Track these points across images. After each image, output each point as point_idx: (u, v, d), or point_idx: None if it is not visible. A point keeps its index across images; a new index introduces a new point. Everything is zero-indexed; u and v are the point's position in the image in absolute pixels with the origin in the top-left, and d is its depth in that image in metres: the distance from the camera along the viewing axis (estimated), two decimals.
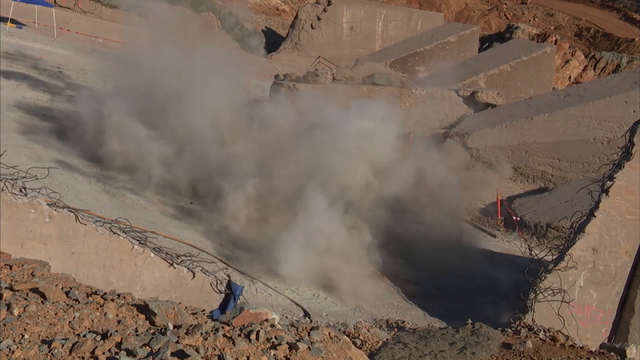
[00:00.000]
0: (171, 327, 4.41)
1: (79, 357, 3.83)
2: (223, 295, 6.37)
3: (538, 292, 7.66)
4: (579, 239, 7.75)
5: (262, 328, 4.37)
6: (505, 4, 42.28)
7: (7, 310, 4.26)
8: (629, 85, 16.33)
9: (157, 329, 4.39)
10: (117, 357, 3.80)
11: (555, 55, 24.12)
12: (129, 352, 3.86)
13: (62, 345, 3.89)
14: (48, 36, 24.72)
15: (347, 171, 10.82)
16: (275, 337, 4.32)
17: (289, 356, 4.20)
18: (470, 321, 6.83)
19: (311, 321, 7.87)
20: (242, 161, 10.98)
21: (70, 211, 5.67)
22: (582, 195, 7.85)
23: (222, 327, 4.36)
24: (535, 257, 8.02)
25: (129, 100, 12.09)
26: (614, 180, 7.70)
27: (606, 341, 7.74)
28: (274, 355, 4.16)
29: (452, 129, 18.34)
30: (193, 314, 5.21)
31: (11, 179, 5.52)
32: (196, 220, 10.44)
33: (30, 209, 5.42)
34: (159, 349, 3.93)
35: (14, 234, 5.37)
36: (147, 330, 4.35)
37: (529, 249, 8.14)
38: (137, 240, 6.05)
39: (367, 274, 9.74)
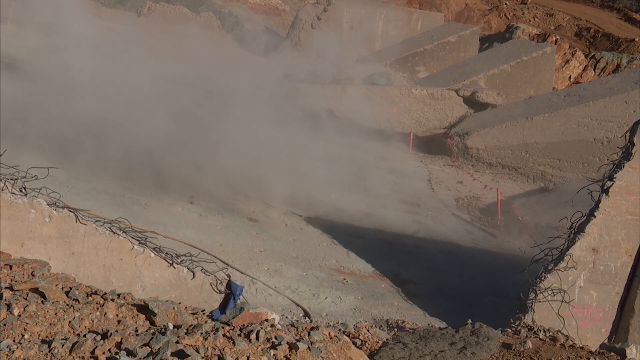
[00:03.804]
0: (171, 327, 4.41)
1: (79, 357, 3.84)
2: (223, 295, 6.37)
3: (538, 292, 7.66)
4: (579, 239, 7.74)
5: (262, 328, 4.38)
6: (505, 4, 42.27)
7: (7, 310, 4.26)
8: (629, 85, 16.34)
9: (157, 329, 4.39)
10: (117, 357, 3.80)
11: (555, 55, 24.10)
12: (129, 352, 3.86)
13: (62, 345, 3.90)
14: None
15: None
16: (275, 337, 4.32)
17: (289, 356, 4.20)
18: (470, 321, 6.83)
19: (311, 321, 7.87)
20: None
21: (70, 211, 5.66)
22: (582, 195, 7.85)
23: (222, 327, 4.36)
24: (535, 257, 8.01)
25: None
26: (614, 180, 7.70)
27: (606, 341, 7.74)
28: (274, 355, 4.16)
29: (452, 129, 18.37)
30: (193, 314, 5.21)
31: (11, 179, 5.52)
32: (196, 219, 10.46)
33: (30, 209, 5.42)
34: (159, 349, 3.93)
35: (14, 234, 5.36)
36: (147, 330, 4.35)
37: (538, 245, 8.12)
38: (137, 240, 6.04)
39: (367, 274, 9.77)
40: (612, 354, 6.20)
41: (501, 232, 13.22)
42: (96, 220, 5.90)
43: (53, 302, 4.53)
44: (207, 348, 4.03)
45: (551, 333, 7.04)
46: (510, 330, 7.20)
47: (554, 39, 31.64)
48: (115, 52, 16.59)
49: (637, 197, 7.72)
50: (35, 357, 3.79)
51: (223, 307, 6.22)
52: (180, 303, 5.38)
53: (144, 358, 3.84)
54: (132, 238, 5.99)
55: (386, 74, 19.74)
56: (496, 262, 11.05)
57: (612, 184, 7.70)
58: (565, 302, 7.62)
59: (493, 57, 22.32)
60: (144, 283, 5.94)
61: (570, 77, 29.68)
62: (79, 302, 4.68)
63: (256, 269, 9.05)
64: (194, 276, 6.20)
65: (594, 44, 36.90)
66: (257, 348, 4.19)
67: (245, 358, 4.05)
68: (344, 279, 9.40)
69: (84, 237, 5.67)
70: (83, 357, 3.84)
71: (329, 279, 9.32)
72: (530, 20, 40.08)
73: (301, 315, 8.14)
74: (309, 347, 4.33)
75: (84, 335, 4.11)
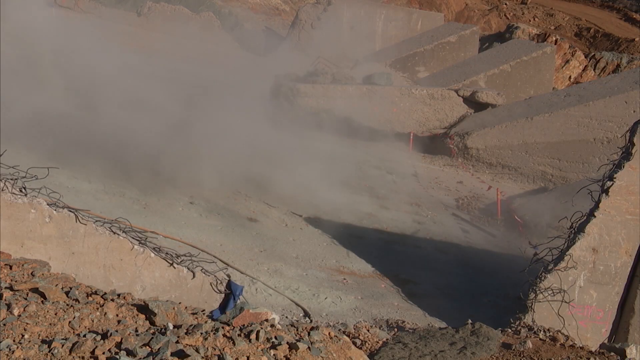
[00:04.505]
0: (171, 327, 4.41)
1: (79, 357, 3.84)
2: (223, 295, 6.37)
3: (538, 292, 7.66)
4: (579, 239, 7.75)
5: (262, 328, 4.38)
6: (505, 4, 42.27)
7: (7, 310, 4.26)
8: (629, 85, 16.34)
9: (157, 329, 4.39)
10: (117, 357, 3.80)
11: (555, 55, 24.10)
12: (129, 352, 3.86)
13: (62, 345, 3.90)
14: None
15: None
16: (275, 337, 4.32)
17: (289, 356, 4.20)
18: (470, 321, 6.83)
19: (311, 321, 7.87)
20: None
21: (70, 211, 5.66)
22: (582, 195, 7.85)
23: (222, 327, 4.36)
24: (536, 257, 8.01)
25: None
26: (614, 180, 7.70)
27: (606, 341, 7.74)
28: (274, 355, 4.16)
29: (452, 129, 18.37)
30: (193, 314, 5.21)
31: (11, 179, 5.52)
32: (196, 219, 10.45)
33: (30, 209, 5.42)
34: (159, 349, 3.93)
35: (14, 234, 5.36)
36: (147, 330, 4.35)
37: (533, 247, 8.16)
38: (137, 240, 6.05)
39: (367, 274, 9.77)
40: (612, 354, 6.21)
41: (501, 232, 13.21)
42: (96, 220, 5.90)
43: (53, 302, 4.53)
44: (207, 348, 4.03)
45: (551, 333, 7.05)
46: (510, 330, 7.21)
47: (554, 39, 31.66)
48: (111, 49, 16.63)
49: (637, 197, 7.73)
50: (35, 357, 3.79)
51: (223, 307, 6.22)
52: (180, 303, 5.39)
53: (144, 358, 3.84)
54: (132, 238, 5.99)
55: (386, 74, 19.73)
56: (496, 262, 11.05)
57: (612, 184, 7.70)
58: (565, 302, 7.62)
59: (493, 57, 22.32)
60: (144, 283, 5.95)
61: (570, 77, 29.69)
62: (79, 302, 4.68)
63: (256, 269, 9.05)
64: (194, 276, 6.20)
65: (594, 44, 36.92)
66: (257, 348, 4.19)
67: (245, 358, 4.05)
68: (344, 279, 9.40)
69: (84, 237, 5.67)
70: (83, 357, 3.84)
71: (329, 279, 9.31)
72: (530, 20, 40.09)
73: (301, 315, 8.14)
74: (309, 347, 4.34)
75: (84, 335, 4.11)
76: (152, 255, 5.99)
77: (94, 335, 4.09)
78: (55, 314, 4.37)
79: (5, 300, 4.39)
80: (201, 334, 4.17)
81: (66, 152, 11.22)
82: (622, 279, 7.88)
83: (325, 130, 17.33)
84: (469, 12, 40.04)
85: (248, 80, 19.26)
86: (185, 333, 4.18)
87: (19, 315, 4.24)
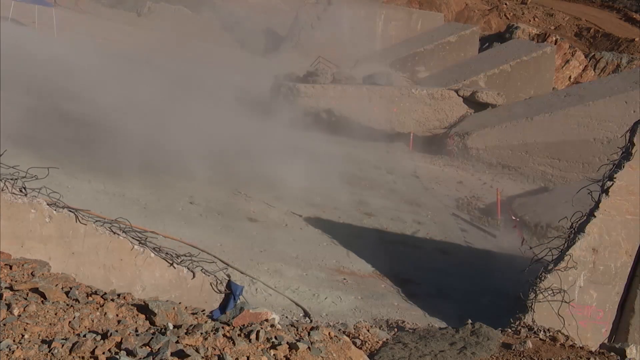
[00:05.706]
0: (171, 327, 4.41)
1: (79, 357, 3.83)
2: (223, 295, 6.37)
3: (538, 292, 7.66)
4: (579, 239, 7.74)
5: (262, 328, 4.38)
6: (505, 4, 42.24)
7: (7, 310, 4.26)
8: (629, 85, 16.35)
9: (157, 329, 4.39)
10: (117, 357, 3.80)
11: (555, 55, 24.10)
12: (129, 352, 3.86)
13: (62, 345, 3.89)
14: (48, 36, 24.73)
15: None
16: (275, 337, 4.32)
17: (289, 356, 4.20)
18: (470, 321, 6.83)
19: (311, 321, 7.87)
20: None
21: (70, 211, 5.66)
22: (582, 195, 7.85)
23: (222, 327, 4.36)
24: (536, 257, 8.01)
25: None
26: (614, 180, 7.69)
27: (606, 341, 7.73)
28: (274, 355, 4.16)
29: (452, 129, 18.38)
30: (193, 314, 5.21)
31: (11, 179, 5.51)
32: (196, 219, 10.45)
33: (30, 209, 5.41)
34: (159, 349, 3.93)
35: (14, 234, 5.36)
36: (147, 330, 4.35)
37: (531, 248, 8.15)
38: (137, 240, 6.04)
39: (368, 274, 9.77)
40: (612, 354, 6.21)
41: (501, 232, 13.21)
42: (96, 220, 5.89)
43: (53, 302, 4.53)
44: (207, 348, 4.03)
45: (551, 333, 7.04)
46: (510, 330, 7.20)
47: (554, 39, 31.65)
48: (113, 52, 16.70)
49: (637, 197, 7.72)
50: (35, 357, 3.79)
51: (223, 307, 6.22)
52: (180, 303, 5.38)
53: (144, 358, 3.83)
54: (132, 238, 5.99)
55: (386, 74, 19.74)
56: (496, 262, 11.05)
57: (612, 184, 7.70)
58: (565, 302, 7.62)
59: (493, 57, 22.33)
60: (144, 283, 5.94)
61: (570, 77, 29.68)
62: (79, 302, 4.68)
63: (256, 269, 9.05)
64: (194, 276, 6.20)
65: (594, 44, 36.91)
66: (257, 348, 4.19)
67: (245, 358, 4.05)
68: (344, 279, 9.40)
69: (84, 237, 5.66)
70: (83, 357, 3.84)
71: (329, 279, 9.31)
72: (530, 20, 40.08)
73: (301, 315, 8.14)
74: (309, 347, 4.33)
75: (84, 335, 4.11)
76: (152, 255, 5.99)
77: (94, 335, 4.09)
78: (55, 314, 4.37)
79: (5, 300, 4.38)
80: (201, 334, 4.17)
81: (67, 152, 11.22)
82: (622, 279, 7.87)
83: (325, 130, 17.34)
84: (469, 12, 40.03)
85: (248, 80, 19.27)
86: (185, 333, 4.18)
87: (19, 315, 4.24)
